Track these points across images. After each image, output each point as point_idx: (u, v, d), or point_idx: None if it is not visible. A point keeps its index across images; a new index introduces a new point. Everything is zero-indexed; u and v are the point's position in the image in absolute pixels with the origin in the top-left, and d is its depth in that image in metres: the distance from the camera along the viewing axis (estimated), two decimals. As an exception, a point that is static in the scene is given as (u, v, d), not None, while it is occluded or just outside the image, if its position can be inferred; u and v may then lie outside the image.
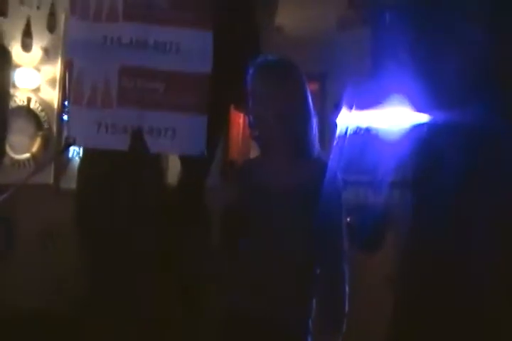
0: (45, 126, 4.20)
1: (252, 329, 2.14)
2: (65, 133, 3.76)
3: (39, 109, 4.17)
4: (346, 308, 2.15)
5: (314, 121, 2.19)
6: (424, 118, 3.33)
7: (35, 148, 4.16)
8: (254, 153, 2.32)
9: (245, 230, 2.20)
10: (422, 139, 3.30)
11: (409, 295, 3.28)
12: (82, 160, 3.73)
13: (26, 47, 4.08)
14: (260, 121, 2.14)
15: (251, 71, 2.17)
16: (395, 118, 3.61)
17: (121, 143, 2.96)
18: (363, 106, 3.78)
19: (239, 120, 4.71)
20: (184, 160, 3.42)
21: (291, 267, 2.14)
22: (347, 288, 2.15)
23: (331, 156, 2.26)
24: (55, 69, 4.24)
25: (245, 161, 2.33)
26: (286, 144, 2.15)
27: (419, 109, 3.36)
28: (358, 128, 3.97)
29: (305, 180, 2.15)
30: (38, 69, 4.15)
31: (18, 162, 4.06)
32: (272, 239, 2.13)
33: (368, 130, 3.93)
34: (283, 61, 2.22)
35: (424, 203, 3.23)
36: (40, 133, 4.18)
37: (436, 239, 3.11)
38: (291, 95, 2.15)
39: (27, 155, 4.12)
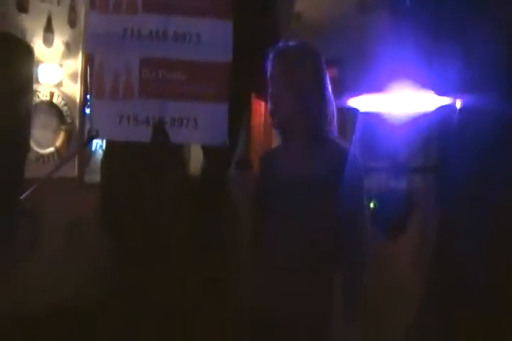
0: (68, 120, 4.24)
1: (276, 322, 2.15)
2: (87, 127, 3.79)
3: (62, 103, 4.21)
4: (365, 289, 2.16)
5: (333, 105, 2.18)
6: (446, 102, 3.31)
7: (58, 142, 4.20)
8: (276, 142, 2.32)
9: (270, 218, 2.20)
10: (444, 123, 3.28)
11: (434, 281, 3.26)
12: (105, 152, 3.76)
13: (48, 42, 4.12)
14: (279, 105, 2.14)
15: (270, 55, 2.18)
16: (417, 102, 3.59)
17: (143, 134, 2.98)
18: (383, 90, 3.76)
19: (260, 109, 4.70)
20: (206, 149, 3.44)
21: (315, 254, 2.14)
22: (368, 274, 2.16)
23: (352, 141, 2.26)
24: (76, 63, 4.28)
25: (266, 152, 2.33)
26: (305, 127, 2.15)
27: (442, 93, 3.33)
28: (378, 113, 3.96)
29: (326, 163, 2.15)
30: (60, 64, 4.18)
31: (43, 156, 4.10)
32: (297, 224, 2.13)
33: (388, 115, 3.91)
34: (302, 45, 2.23)
35: (448, 187, 3.21)
36: (64, 127, 4.22)
37: (461, 223, 3.09)
38: (309, 77, 2.15)
39: (51, 149, 4.16)
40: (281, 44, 2.23)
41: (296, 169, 2.17)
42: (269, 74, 2.18)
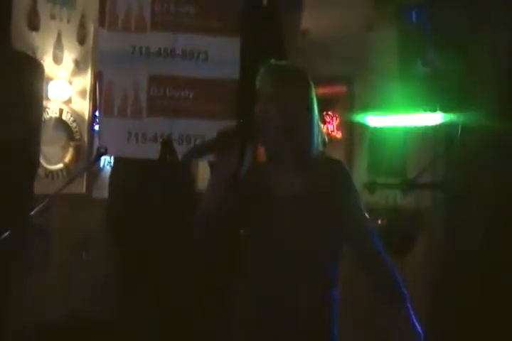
0: (77, 136, 4.27)
1: (277, 319, 2.13)
2: (96, 143, 3.81)
3: (71, 120, 4.24)
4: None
5: (318, 127, 2.17)
6: (454, 119, 3.31)
7: (67, 159, 4.22)
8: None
9: (255, 235, 2.18)
10: (453, 140, 3.28)
11: (442, 298, 3.25)
12: (114, 169, 3.78)
13: (58, 59, 4.16)
14: (268, 121, 2.13)
15: (260, 72, 2.19)
16: (424, 119, 3.59)
17: (151, 151, 3.00)
18: (391, 107, 3.77)
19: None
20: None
21: (309, 268, 2.12)
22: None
23: (360, 160, 2.26)
24: (85, 80, 4.31)
25: (252, 167, 2.31)
26: (289, 146, 2.13)
27: (449, 110, 3.33)
28: (386, 129, 3.96)
29: (317, 178, 2.13)
30: (70, 81, 4.22)
31: (52, 172, 4.12)
32: (286, 244, 2.11)
33: (396, 131, 3.91)
34: (292, 65, 2.25)
35: (456, 204, 3.21)
36: (73, 143, 4.25)
37: (470, 240, 3.08)
38: (295, 95, 2.14)
39: (60, 165, 4.18)
40: (272, 62, 2.23)
41: (286, 185, 2.16)
42: (257, 90, 2.17)
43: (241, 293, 2.20)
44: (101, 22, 3.12)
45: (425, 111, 3.47)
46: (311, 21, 4.16)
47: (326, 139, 2.20)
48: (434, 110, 3.38)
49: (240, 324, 2.19)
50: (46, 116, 4.05)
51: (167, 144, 2.99)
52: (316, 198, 2.11)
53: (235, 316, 2.21)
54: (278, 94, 2.12)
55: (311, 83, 2.18)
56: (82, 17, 4.28)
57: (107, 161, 4.30)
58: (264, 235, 2.14)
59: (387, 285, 2.16)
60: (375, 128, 4.03)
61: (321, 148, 2.16)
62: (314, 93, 2.17)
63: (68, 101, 4.22)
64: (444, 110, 3.34)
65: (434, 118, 3.45)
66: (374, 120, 3.97)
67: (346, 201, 2.12)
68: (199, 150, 2.15)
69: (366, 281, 2.18)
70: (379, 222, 3.66)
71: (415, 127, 3.72)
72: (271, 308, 2.10)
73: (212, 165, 3.45)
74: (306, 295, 2.09)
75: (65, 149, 4.22)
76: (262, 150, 2.22)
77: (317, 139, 2.15)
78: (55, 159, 4.15)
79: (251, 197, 2.14)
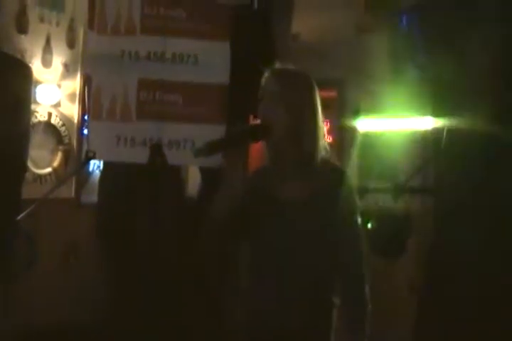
0: (66, 140, 4.24)
1: (276, 320, 2.12)
2: (85, 148, 3.79)
3: (59, 123, 4.21)
4: (369, 308, 2.13)
5: (322, 130, 2.17)
6: (445, 123, 3.31)
7: (56, 163, 4.19)
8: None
9: (256, 240, 2.18)
10: (438, 144, 3.28)
11: (432, 303, 3.24)
12: (103, 173, 3.76)
13: (47, 63, 4.13)
14: (267, 126, 2.13)
15: (265, 75, 2.19)
16: (415, 123, 3.59)
17: (140, 156, 2.98)
18: (382, 111, 3.77)
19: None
20: (203, 171, 3.43)
21: (310, 275, 2.12)
22: (368, 290, 2.14)
23: (351, 163, 2.25)
24: (74, 84, 4.28)
25: (256, 170, 2.31)
26: (293, 151, 2.13)
27: (440, 115, 3.33)
28: (377, 133, 3.96)
29: (320, 183, 2.13)
30: (58, 85, 4.19)
31: (40, 177, 4.09)
32: (287, 247, 2.11)
33: (386, 135, 3.91)
34: (296, 69, 2.25)
35: (446, 208, 3.20)
36: (61, 147, 4.22)
37: (460, 245, 3.08)
38: (305, 99, 2.15)
39: (48, 169, 4.15)
40: (277, 66, 2.23)
41: (289, 190, 2.15)
42: (261, 93, 2.17)
43: (237, 294, 2.20)
44: (90, 25, 3.10)
45: (416, 115, 3.47)
46: (302, 24, 4.15)
47: (328, 147, 2.20)
48: (425, 114, 3.38)
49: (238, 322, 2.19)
50: (35, 119, 4.02)
51: (156, 148, 2.97)
52: (318, 206, 2.11)
53: (231, 318, 2.21)
54: (283, 97, 2.12)
55: (315, 87, 2.18)
56: (72, 20, 4.25)
57: (96, 165, 4.28)
58: (265, 240, 2.14)
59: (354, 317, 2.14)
60: (366, 132, 4.02)
61: (325, 154, 2.16)
62: (318, 97, 2.17)
63: (57, 105, 4.19)
64: (435, 114, 3.34)
65: (425, 123, 3.45)
66: (365, 124, 3.97)
67: (344, 216, 2.12)
68: (211, 148, 2.15)
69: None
70: (369, 225, 3.65)
71: (406, 131, 3.72)
72: (272, 308, 2.10)
73: (202, 170, 3.45)
74: (306, 298, 2.09)
75: (53, 153, 4.19)
76: (264, 155, 2.22)
77: (322, 142, 2.15)
78: (43, 163, 4.12)
79: (253, 201, 2.14)
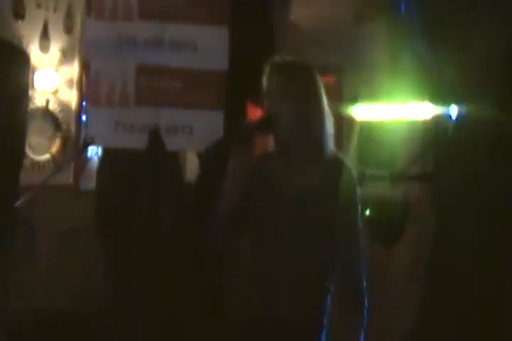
0: (64, 126, 4.23)
1: (268, 328, 2.14)
2: (83, 134, 3.78)
3: (57, 110, 4.20)
4: (366, 296, 2.14)
5: (329, 121, 2.18)
6: (442, 110, 3.31)
7: (54, 149, 4.18)
8: (271, 148, 2.30)
9: (255, 228, 2.19)
10: (439, 132, 3.28)
11: (431, 291, 3.25)
12: (102, 159, 3.75)
13: (44, 48, 4.11)
14: (275, 120, 2.14)
15: (267, 70, 2.19)
16: (413, 110, 3.59)
17: (139, 142, 2.98)
18: (380, 98, 3.76)
19: (257, 115, 4.69)
20: (202, 157, 3.43)
21: (307, 265, 2.13)
22: (365, 277, 2.16)
23: (349, 150, 2.25)
24: (72, 70, 4.26)
25: (261, 156, 2.31)
26: (302, 144, 2.14)
27: (438, 101, 3.33)
28: (375, 121, 3.95)
29: (325, 176, 2.14)
30: (56, 71, 4.17)
31: (38, 163, 4.08)
32: (288, 237, 2.12)
33: (385, 123, 3.90)
34: (298, 61, 2.24)
35: (445, 196, 3.21)
36: (59, 133, 4.20)
37: (459, 232, 3.09)
38: (306, 93, 2.15)
39: (47, 156, 4.14)
40: (278, 58, 2.23)
41: (295, 181, 2.16)
42: (264, 88, 2.18)
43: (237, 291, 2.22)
44: (88, 11, 3.09)
45: (415, 102, 3.47)
46: (301, 11, 4.14)
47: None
48: (423, 101, 3.38)
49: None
50: (32, 106, 4.00)
51: (155, 134, 2.97)
52: (323, 193, 2.12)
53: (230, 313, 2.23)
54: (289, 92, 2.12)
55: (318, 76, 2.18)
56: (69, 6, 4.22)
57: (94, 151, 4.27)
58: (266, 230, 2.15)
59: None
60: (364, 120, 4.02)
61: (332, 147, 2.17)
62: (322, 85, 2.18)
63: (55, 91, 4.17)
64: (433, 101, 3.34)
65: (424, 110, 3.44)
66: (363, 111, 3.96)
67: (345, 213, 2.13)
68: (219, 143, 2.18)
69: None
70: (367, 213, 3.66)
71: (405, 118, 3.71)
72: (268, 293, 2.11)
73: (200, 156, 3.45)
74: (300, 282, 2.11)
75: (51, 140, 4.18)
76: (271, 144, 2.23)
77: (330, 129, 2.17)
78: (41, 150, 4.11)
79: (257, 191, 2.16)
